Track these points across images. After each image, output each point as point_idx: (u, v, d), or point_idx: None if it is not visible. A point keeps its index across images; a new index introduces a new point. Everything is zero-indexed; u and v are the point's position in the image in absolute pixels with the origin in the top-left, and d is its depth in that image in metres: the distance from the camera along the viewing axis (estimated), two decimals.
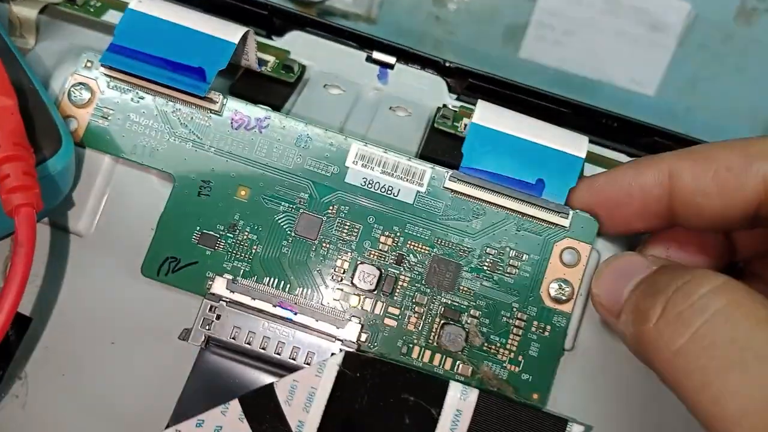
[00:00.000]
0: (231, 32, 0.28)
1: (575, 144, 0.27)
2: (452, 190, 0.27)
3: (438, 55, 0.33)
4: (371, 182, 0.27)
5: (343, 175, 0.27)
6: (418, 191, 0.27)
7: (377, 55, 0.33)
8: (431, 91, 0.33)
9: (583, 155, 0.27)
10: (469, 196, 0.27)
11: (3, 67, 0.23)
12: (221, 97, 0.28)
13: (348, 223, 0.27)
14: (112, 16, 0.32)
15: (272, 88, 0.31)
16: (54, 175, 0.24)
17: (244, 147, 0.28)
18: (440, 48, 0.54)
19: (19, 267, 0.20)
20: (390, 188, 0.27)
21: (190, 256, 0.27)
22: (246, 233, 0.27)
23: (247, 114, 0.28)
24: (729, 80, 0.58)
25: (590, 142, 0.28)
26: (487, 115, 0.27)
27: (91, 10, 0.32)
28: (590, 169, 0.29)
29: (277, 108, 0.30)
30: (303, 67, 0.32)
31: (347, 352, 0.25)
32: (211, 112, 0.28)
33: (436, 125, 0.31)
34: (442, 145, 0.30)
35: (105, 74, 0.28)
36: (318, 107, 0.31)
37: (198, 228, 0.27)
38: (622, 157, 0.32)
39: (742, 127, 0.59)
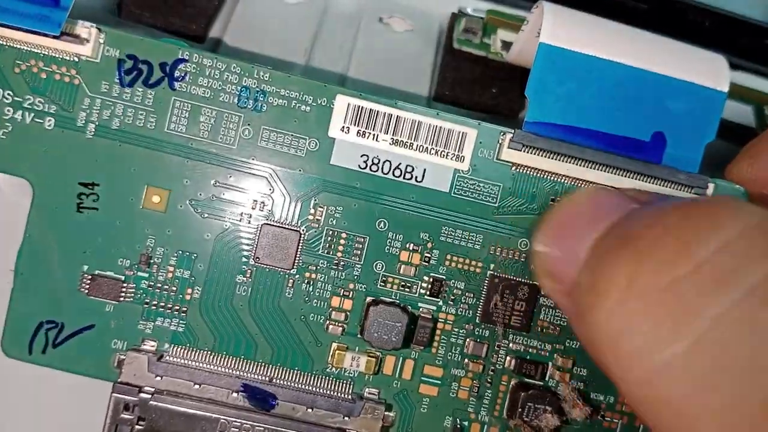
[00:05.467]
0: None
1: (709, 68, 0.16)
2: (514, 164, 0.16)
3: None
4: (375, 162, 0.16)
5: (327, 154, 0.16)
6: (457, 170, 0.16)
7: None
8: None
9: (726, 88, 0.16)
10: (542, 170, 0.16)
11: None
12: (95, 30, 0.15)
13: (344, 235, 0.16)
14: None
15: (186, 2, 0.19)
16: None
17: (147, 118, 0.16)
18: None
19: None
20: (409, 169, 0.16)
21: (80, 317, 0.16)
22: (170, 268, 0.16)
23: (144, 58, 0.16)
24: None
25: None
26: (561, 27, 0.16)
27: None
28: None
29: (198, 39, 0.18)
30: None
31: None
32: (80, 59, 0.16)
33: (456, 45, 0.19)
34: (469, 77, 0.19)
35: None
36: (263, 30, 0.20)
37: (86, 267, 0.16)
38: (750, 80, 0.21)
39: None
